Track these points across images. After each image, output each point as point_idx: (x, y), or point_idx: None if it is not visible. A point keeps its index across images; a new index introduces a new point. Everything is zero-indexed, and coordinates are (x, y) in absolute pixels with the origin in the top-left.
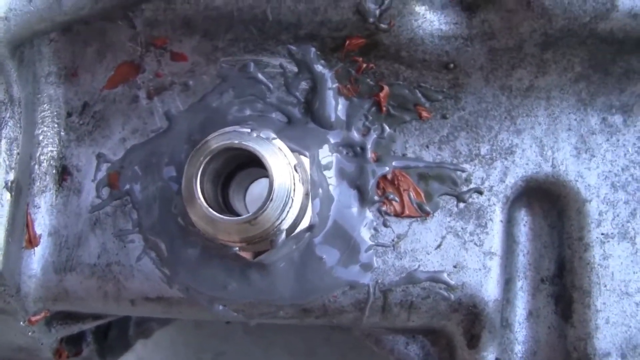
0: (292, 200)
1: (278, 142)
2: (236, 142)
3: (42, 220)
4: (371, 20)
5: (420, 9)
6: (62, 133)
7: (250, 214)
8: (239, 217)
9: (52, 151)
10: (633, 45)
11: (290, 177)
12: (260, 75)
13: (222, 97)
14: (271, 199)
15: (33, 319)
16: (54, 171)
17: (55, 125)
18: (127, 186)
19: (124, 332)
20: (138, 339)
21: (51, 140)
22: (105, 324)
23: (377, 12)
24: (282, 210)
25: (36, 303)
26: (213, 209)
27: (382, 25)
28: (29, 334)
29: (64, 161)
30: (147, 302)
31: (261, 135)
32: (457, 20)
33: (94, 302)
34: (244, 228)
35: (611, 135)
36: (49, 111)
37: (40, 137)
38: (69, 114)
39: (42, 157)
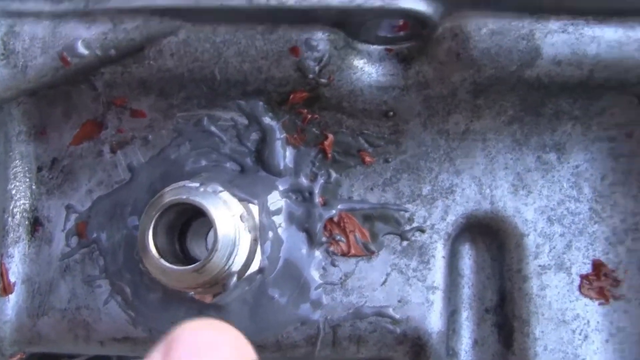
0: (238, 248)
1: (224, 195)
2: (184, 197)
3: (16, 269)
4: (311, 76)
5: (358, 63)
6: (34, 187)
7: (197, 263)
8: (187, 267)
9: (24, 204)
10: (559, 88)
11: (235, 228)
12: (213, 129)
13: (179, 149)
14: (216, 249)
15: None
16: (26, 222)
17: (27, 180)
18: (94, 235)
19: None
20: None
21: (23, 194)
22: None
23: (317, 68)
24: (229, 258)
25: (12, 346)
26: (167, 259)
27: (322, 80)
28: None
29: (35, 213)
30: (115, 343)
31: (208, 189)
32: (394, 72)
33: (66, 344)
34: (193, 276)
35: (546, 172)
36: (20, 167)
37: (13, 192)
38: (40, 169)
39: (15, 210)
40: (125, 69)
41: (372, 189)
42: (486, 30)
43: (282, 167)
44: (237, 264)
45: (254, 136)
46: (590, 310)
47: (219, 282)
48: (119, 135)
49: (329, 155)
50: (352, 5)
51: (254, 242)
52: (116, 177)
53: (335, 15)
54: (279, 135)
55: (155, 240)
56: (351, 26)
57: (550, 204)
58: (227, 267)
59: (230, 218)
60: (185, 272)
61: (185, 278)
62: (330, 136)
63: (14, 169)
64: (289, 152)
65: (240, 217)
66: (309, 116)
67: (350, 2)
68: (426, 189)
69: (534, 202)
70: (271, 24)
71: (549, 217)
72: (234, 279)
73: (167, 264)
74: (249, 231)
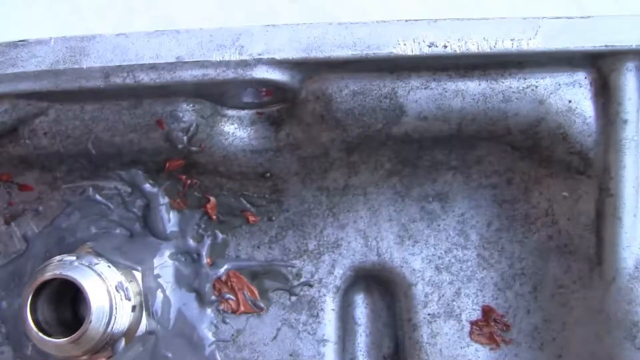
0: (115, 317)
1: (99, 267)
2: (57, 272)
3: None
4: (180, 146)
5: (229, 128)
6: None
7: (73, 335)
8: (63, 340)
9: None
10: (431, 142)
11: (110, 298)
12: (99, 197)
13: (69, 218)
14: (90, 321)
15: None
16: None
17: None
18: None
19: None
20: None
21: None
22: None
23: (185, 138)
24: (107, 327)
25: None
26: (49, 330)
27: (194, 148)
28: None
29: None
30: None
31: (83, 262)
32: (266, 135)
33: None
34: (73, 347)
35: (432, 222)
36: None
37: None
38: None
39: None
40: (2, 148)
41: (258, 246)
42: (347, 91)
43: (168, 231)
44: (118, 330)
45: (139, 202)
46: (482, 355)
47: (104, 348)
48: (10, 208)
49: (213, 217)
50: (206, 80)
51: (139, 306)
52: (13, 247)
53: (193, 89)
54: (162, 200)
55: (35, 314)
56: (213, 96)
57: (438, 253)
58: (106, 334)
59: (104, 289)
60: (63, 343)
61: (66, 349)
62: (212, 199)
63: None
64: (174, 216)
65: (116, 286)
66: (189, 181)
67: (204, 76)
68: (312, 244)
69: (421, 251)
70: (135, 99)
71: (437, 266)
72: (122, 343)
73: (44, 337)
74: (130, 298)
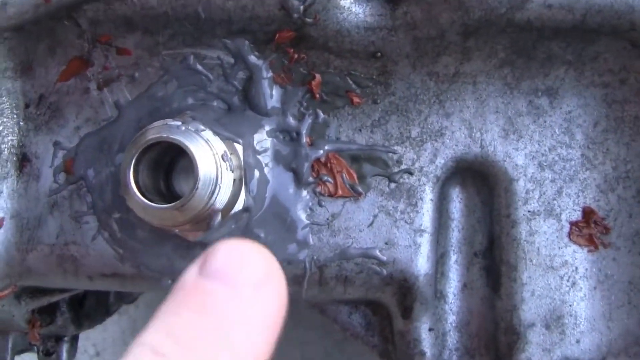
0: (220, 187)
1: (206, 134)
2: (164, 135)
3: (4, 205)
4: (296, 15)
5: (345, 2)
6: (21, 123)
7: (178, 201)
8: (168, 205)
9: (12, 140)
10: (551, 32)
11: (216, 167)
12: (199, 67)
13: (166, 87)
14: (196, 188)
15: (1, 294)
16: (14, 158)
17: (15, 116)
18: (82, 171)
19: (103, 299)
20: (120, 305)
21: (11, 130)
22: (81, 293)
23: (301, 8)
24: (210, 197)
25: (3, 280)
26: (149, 196)
27: (308, 20)
28: (0, 307)
29: (23, 149)
30: (103, 278)
31: (190, 127)
32: (382, 12)
33: (55, 278)
34: (174, 214)
35: (538, 117)
36: (7, 103)
37: (1, 128)
38: (27, 105)
39: (2, 146)
40: (108, 6)
41: (360, 130)
42: None
43: (269, 106)
44: (219, 202)
45: (241, 75)
46: (579, 257)
47: (202, 221)
48: (105, 72)
49: (317, 95)
50: None
51: (238, 181)
52: (103, 115)
53: None
54: (266, 74)
55: (137, 177)
56: None
57: (542, 149)
58: (208, 205)
59: (211, 157)
60: (166, 210)
61: (166, 216)
62: (318, 76)
63: (1, 105)
64: (276, 92)
65: (222, 156)
66: (296, 56)
67: None
68: (415, 131)
69: (525, 147)
70: None
71: (540, 163)
72: (218, 217)
73: (148, 202)
74: (232, 170)
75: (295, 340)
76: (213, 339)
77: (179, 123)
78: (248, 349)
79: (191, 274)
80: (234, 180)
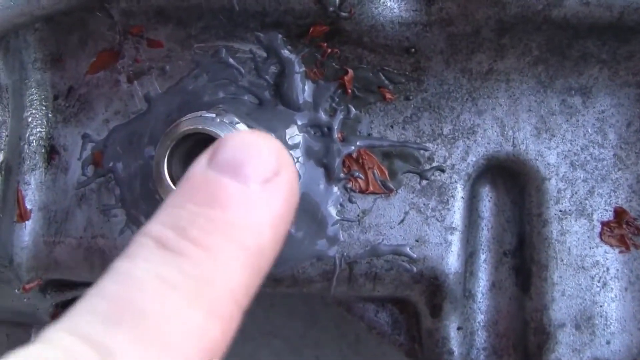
0: None
1: (241, 127)
2: (200, 126)
3: (32, 197)
4: (331, 9)
5: None
6: (50, 115)
7: None
8: None
9: (40, 132)
10: (587, 30)
11: None
12: (231, 60)
13: (197, 81)
14: None
15: (27, 286)
16: (42, 150)
17: (43, 108)
18: (111, 164)
19: None
20: None
21: (39, 121)
22: None
23: (337, 1)
24: None
25: (29, 272)
26: None
27: (343, 14)
28: (25, 300)
29: (52, 141)
30: None
31: (224, 120)
32: (417, 8)
33: (82, 272)
34: None
35: (571, 116)
36: (36, 95)
37: (29, 119)
38: (56, 97)
39: (31, 138)
40: None
41: (392, 126)
42: None
43: (301, 101)
44: None
45: (273, 69)
46: (610, 257)
47: None
48: (135, 65)
49: (349, 90)
50: None
51: None
52: (133, 107)
53: None
54: (298, 68)
55: (170, 170)
56: None
57: (574, 149)
58: None
59: None
60: None
61: None
62: (350, 71)
63: (30, 97)
64: (308, 87)
65: None
66: (329, 50)
67: None
68: (447, 129)
69: (557, 146)
70: None
71: (572, 162)
72: None
73: None
74: None
75: (311, 341)
76: (220, 233)
77: (214, 115)
78: (255, 244)
79: (200, 165)
80: None
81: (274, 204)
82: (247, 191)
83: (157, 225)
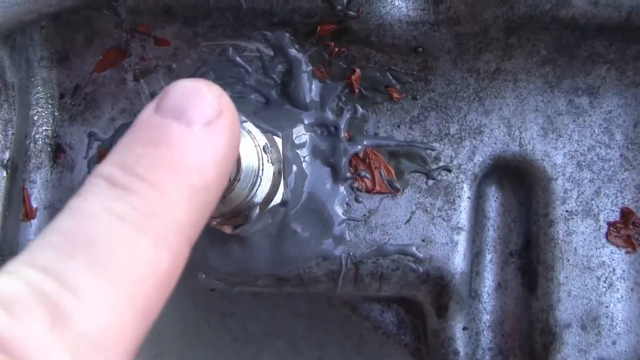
0: (261, 179)
1: (248, 125)
2: None
3: (38, 195)
4: (339, 8)
5: None
6: (56, 113)
7: None
8: None
9: (46, 130)
10: (595, 30)
11: (258, 158)
12: (238, 59)
13: (203, 79)
14: (238, 179)
15: None
16: (48, 149)
17: (49, 106)
18: None
19: None
20: None
21: (45, 120)
22: None
23: (345, 0)
24: (251, 189)
25: None
26: None
27: (351, 13)
28: None
29: (57, 139)
30: None
31: None
32: (424, 7)
33: None
34: (216, 206)
35: (578, 117)
36: (42, 93)
37: (35, 118)
38: (62, 96)
39: (37, 136)
40: None
41: (399, 125)
42: None
43: (308, 100)
44: (259, 195)
45: (280, 68)
46: (617, 258)
47: (241, 213)
48: (142, 63)
49: (356, 89)
50: None
51: (278, 174)
52: (139, 106)
53: None
54: (305, 67)
55: None
56: None
57: (580, 149)
58: (249, 197)
59: (253, 148)
60: None
61: None
62: (358, 70)
63: (36, 95)
64: (315, 86)
65: (264, 148)
66: (336, 49)
67: None
68: (454, 128)
69: (564, 146)
70: None
71: (579, 162)
72: (257, 210)
73: None
74: (273, 163)
75: (314, 342)
76: (165, 170)
77: None
78: (200, 180)
79: (148, 111)
80: (274, 173)
81: (217, 144)
82: (191, 132)
83: (107, 165)
